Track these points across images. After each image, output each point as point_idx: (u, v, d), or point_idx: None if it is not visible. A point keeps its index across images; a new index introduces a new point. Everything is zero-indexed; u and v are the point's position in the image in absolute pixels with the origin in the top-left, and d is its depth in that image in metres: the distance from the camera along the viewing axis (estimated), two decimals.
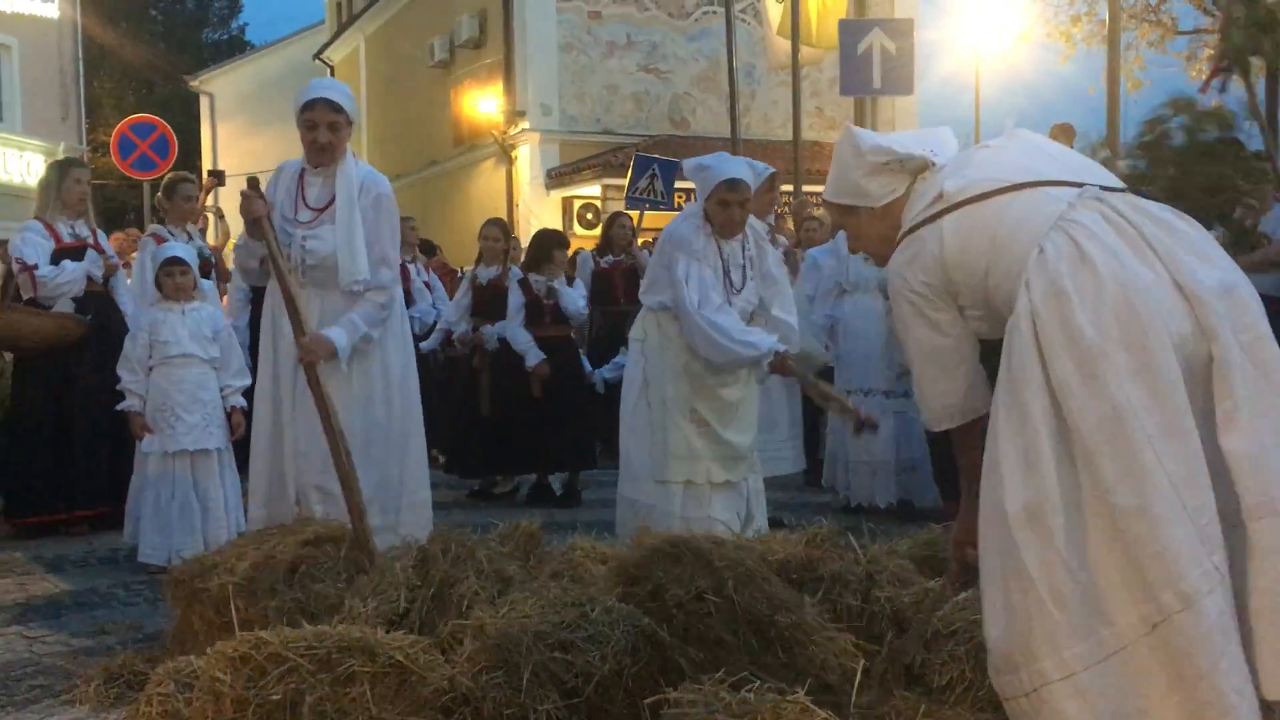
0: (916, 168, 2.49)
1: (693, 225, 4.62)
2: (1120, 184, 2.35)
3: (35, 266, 5.75)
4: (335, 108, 4.15)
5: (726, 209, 4.53)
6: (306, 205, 4.18)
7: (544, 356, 6.61)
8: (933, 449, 5.80)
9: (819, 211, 9.04)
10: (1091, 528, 2.07)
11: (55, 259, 5.83)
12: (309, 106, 4.13)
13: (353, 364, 4.18)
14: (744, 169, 4.63)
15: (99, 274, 5.93)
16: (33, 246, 5.80)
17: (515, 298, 6.66)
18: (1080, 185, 2.28)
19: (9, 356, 7.83)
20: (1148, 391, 2.05)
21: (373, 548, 3.73)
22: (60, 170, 6.08)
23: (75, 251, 5.89)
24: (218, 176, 9.05)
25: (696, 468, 4.59)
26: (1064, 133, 10.01)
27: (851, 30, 11.30)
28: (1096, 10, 17.46)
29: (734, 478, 4.65)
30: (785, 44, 12.80)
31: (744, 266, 4.65)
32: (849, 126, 2.66)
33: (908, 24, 11.53)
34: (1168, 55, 17.92)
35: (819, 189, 12.25)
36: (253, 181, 4.20)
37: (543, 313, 6.73)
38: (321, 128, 4.12)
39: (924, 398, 2.53)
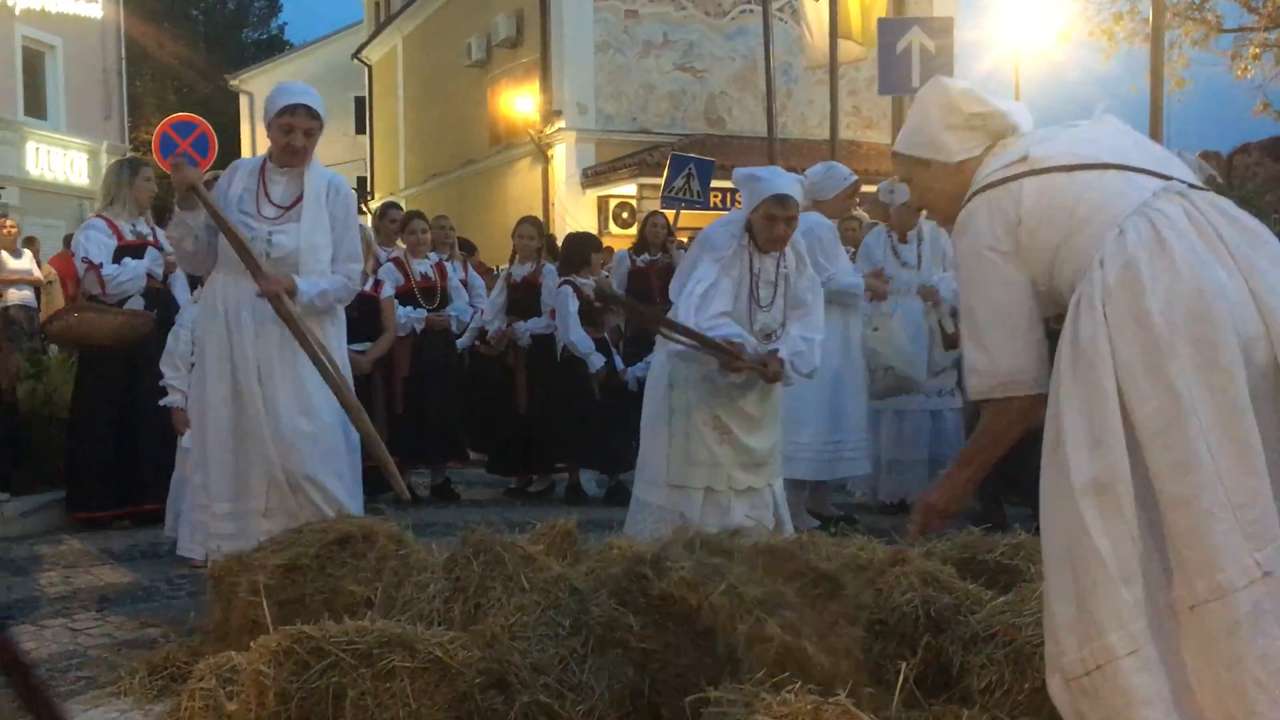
0: (999, 130, 2.46)
1: (729, 233, 4.57)
2: (1200, 184, 2.34)
3: (100, 265, 5.84)
4: (313, 114, 4.30)
5: (772, 224, 4.49)
6: (271, 202, 4.28)
7: (605, 360, 6.76)
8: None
9: (858, 211, 8.97)
10: (1159, 504, 2.09)
11: (117, 256, 5.91)
12: (289, 110, 4.25)
13: (300, 362, 4.20)
14: (794, 186, 4.56)
15: (159, 272, 6.01)
16: (97, 245, 5.87)
17: (570, 302, 6.70)
18: (1166, 178, 2.27)
19: (55, 350, 7.98)
20: (1208, 387, 2.06)
21: (398, 478, 4.12)
22: (131, 169, 6.18)
23: (137, 249, 5.97)
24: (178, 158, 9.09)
25: (718, 474, 4.55)
26: None
27: (890, 29, 11.21)
28: (1139, 8, 17.26)
29: (757, 483, 4.61)
30: (824, 42, 12.74)
31: (775, 284, 4.59)
32: (937, 77, 2.62)
33: (947, 22, 11.43)
34: (1212, 53, 17.70)
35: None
36: (178, 157, 4.40)
37: (592, 315, 6.83)
38: (298, 132, 4.25)
39: (988, 361, 2.36)
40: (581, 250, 7.04)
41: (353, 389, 4.37)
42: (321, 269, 4.27)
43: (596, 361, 6.71)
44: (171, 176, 4.21)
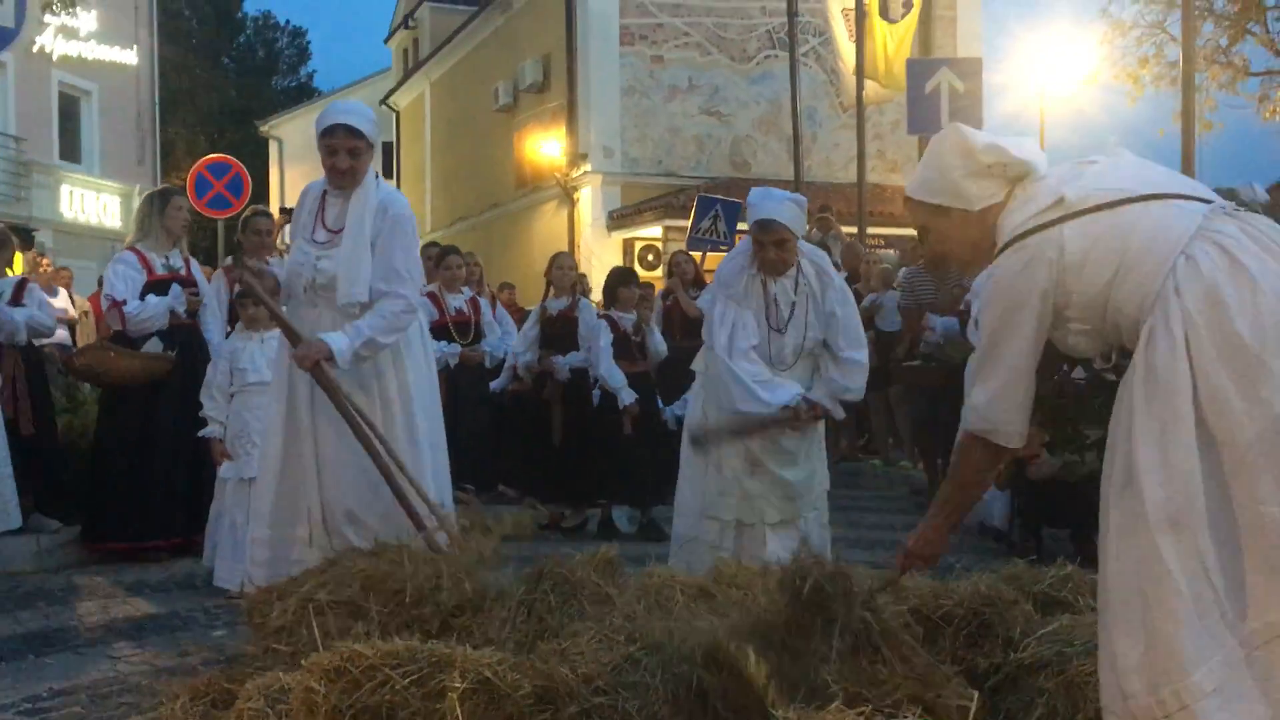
0: (1019, 174, 2.42)
1: (739, 264, 4.58)
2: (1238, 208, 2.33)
3: (124, 302, 5.84)
4: (355, 133, 4.12)
5: (761, 249, 4.46)
6: (324, 226, 4.19)
7: (636, 396, 6.71)
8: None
9: (887, 252, 8.99)
10: (1239, 535, 2.04)
11: (146, 291, 5.90)
12: (329, 133, 4.12)
13: (370, 387, 4.16)
14: (781, 208, 4.43)
15: (182, 309, 5.94)
16: (124, 280, 5.87)
17: (604, 336, 6.74)
18: (1207, 201, 2.25)
19: (86, 387, 8.05)
20: None
21: (433, 538, 3.80)
22: (162, 199, 6.13)
23: (167, 284, 5.95)
24: (288, 214, 9.33)
25: (750, 507, 4.52)
26: None
27: (919, 70, 11.30)
28: (1166, 52, 17.34)
29: (788, 516, 4.57)
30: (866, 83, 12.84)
31: (794, 304, 4.53)
32: (955, 124, 2.57)
33: (976, 63, 11.51)
34: (1239, 96, 17.72)
35: (883, 230, 12.39)
36: (237, 255, 4.39)
37: (630, 349, 6.82)
38: (341, 153, 4.09)
39: (985, 405, 2.41)
40: (610, 285, 7.09)
41: (440, 414, 4.39)
42: (358, 293, 4.10)
43: (626, 396, 6.69)
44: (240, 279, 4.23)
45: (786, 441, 4.57)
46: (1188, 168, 10.34)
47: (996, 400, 2.41)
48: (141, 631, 4.49)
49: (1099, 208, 2.26)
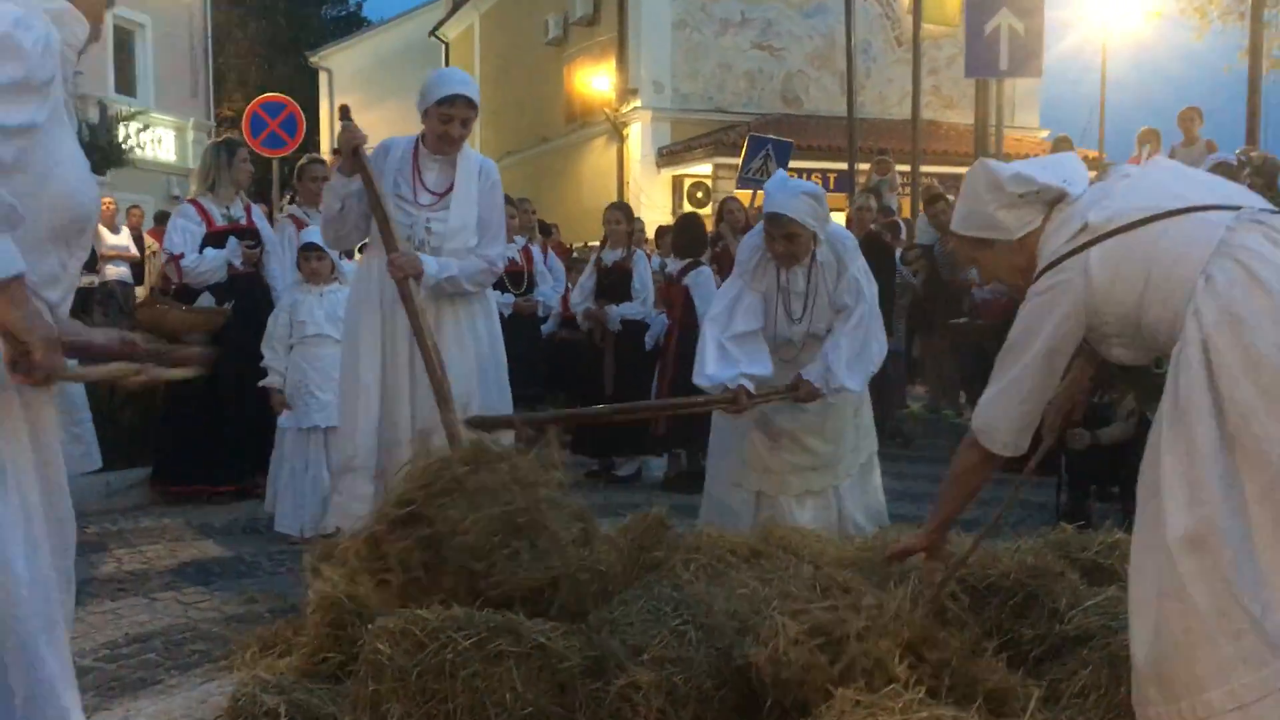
0: (1053, 199, 2.49)
1: (753, 244, 4.49)
2: (1273, 207, 2.32)
3: (181, 255, 5.98)
4: (471, 104, 4.24)
5: (770, 240, 4.38)
6: (426, 188, 4.27)
7: None
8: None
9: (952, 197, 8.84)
10: (1273, 555, 2.05)
11: (206, 243, 6.03)
12: (449, 101, 4.19)
13: (465, 340, 4.27)
14: (793, 202, 4.27)
15: (238, 262, 6.06)
16: (182, 234, 6.01)
17: (714, 284, 6.75)
18: (1235, 208, 2.25)
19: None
20: None
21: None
22: (229, 151, 6.22)
23: (225, 236, 6.06)
24: (344, 111, 9.21)
25: (769, 480, 4.50)
26: (1188, 119, 9.75)
27: (978, 10, 11.00)
28: None
29: (815, 488, 4.53)
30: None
31: (806, 295, 4.42)
32: (982, 160, 2.66)
33: (1037, 2, 11.15)
34: None
35: (937, 169, 12.17)
36: (344, 110, 4.39)
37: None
38: (456, 121, 4.21)
39: (985, 405, 2.55)
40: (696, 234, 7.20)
41: (503, 379, 4.44)
42: (466, 253, 4.27)
43: None
44: (339, 137, 4.28)
45: (809, 415, 4.47)
46: (1253, 104, 10.11)
47: (993, 403, 2.55)
48: (209, 576, 4.66)
49: (1123, 229, 2.30)
